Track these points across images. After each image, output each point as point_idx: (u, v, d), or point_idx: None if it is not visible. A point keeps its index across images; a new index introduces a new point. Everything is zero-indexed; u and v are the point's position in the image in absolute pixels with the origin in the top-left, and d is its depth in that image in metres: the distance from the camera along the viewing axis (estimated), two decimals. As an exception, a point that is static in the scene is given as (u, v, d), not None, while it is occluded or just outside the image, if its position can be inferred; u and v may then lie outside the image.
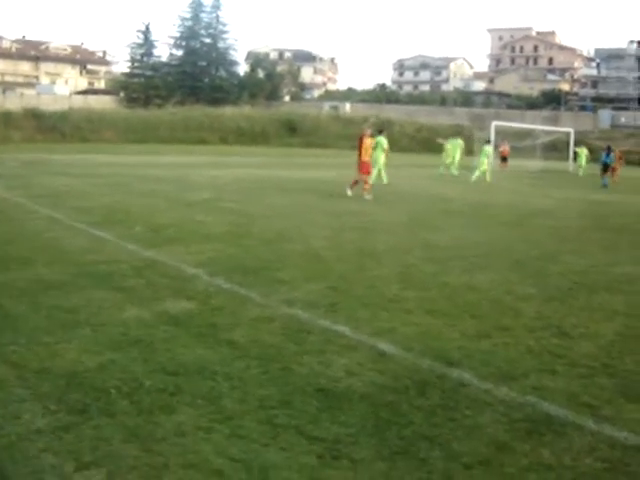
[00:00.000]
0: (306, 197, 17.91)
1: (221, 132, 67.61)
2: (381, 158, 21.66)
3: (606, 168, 27.47)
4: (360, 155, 18.24)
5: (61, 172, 23.78)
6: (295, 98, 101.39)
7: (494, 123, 40.62)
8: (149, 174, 24.18)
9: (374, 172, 20.73)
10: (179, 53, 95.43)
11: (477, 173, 28.41)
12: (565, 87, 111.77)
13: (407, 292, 7.55)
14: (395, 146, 68.04)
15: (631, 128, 76.82)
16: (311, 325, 6.18)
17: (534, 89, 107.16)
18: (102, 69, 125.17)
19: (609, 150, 28.40)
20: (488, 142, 31.47)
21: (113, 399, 4.45)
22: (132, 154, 39.60)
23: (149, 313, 6.42)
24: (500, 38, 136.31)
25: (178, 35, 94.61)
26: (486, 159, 29.13)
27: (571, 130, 44.05)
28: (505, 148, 39.48)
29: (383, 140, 21.57)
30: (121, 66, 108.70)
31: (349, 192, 18.03)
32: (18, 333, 5.69)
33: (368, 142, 18.65)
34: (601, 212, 17.68)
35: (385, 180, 22.15)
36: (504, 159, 38.64)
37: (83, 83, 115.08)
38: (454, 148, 32.26)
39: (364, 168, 18.20)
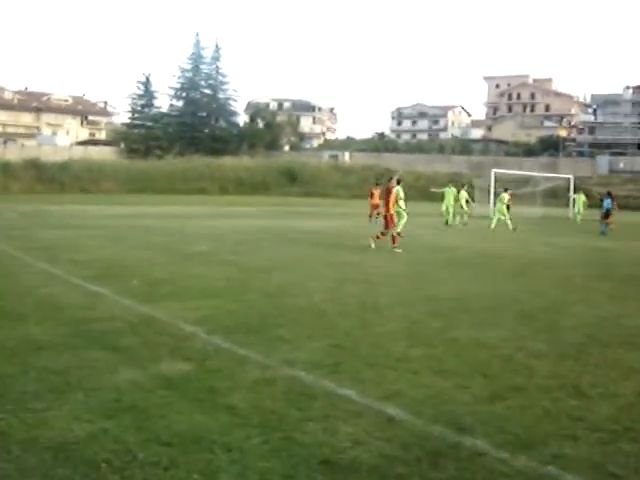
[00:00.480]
0: (307, 248, 17.69)
1: (221, 182, 67.95)
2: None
3: (607, 214, 27.28)
4: (388, 208, 17.76)
5: (59, 224, 23.64)
6: (294, 148, 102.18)
7: (493, 170, 40.70)
8: (148, 225, 24.04)
9: (402, 222, 20.66)
10: (179, 104, 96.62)
11: (495, 221, 29.41)
12: (562, 133, 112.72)
13: (414, 350, 7.24)
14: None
15: (629, 173, 77.23)
16: (314, 388, 5.87)
17: (531, 136, 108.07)
18: (103, 120, 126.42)
19: (610, 196, 28.21)
20: (506, 190, 31.68)
21: (103, 474, 4.14)
22: (131, 205, 39.60)
23: (144, 375, 6.11)
24: (497, 86, 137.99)
25: (178, 86, 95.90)
26: (504, 207, 29.68)
27: (571, 176, 44.10)
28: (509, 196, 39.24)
29: (400, 190, 21.47)
30: (122, 117, 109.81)
31: (372, 245, 17.50)
32: (5, 398, 5.39)
33: (395, 194, 18.16)
34: (604, 260, 17.42)
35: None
36: (507, 207, 38.46)
37: (84, 134, 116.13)
38: (448, 196, 32.01)
39: (392, 221, 17.66)
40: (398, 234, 18.18)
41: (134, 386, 5.79)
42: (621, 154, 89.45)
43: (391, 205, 17.71)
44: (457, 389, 5.97)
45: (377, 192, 29.61)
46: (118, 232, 20.86)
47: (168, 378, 6.04)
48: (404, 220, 21.06)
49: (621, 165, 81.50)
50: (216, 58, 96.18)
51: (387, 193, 18.00)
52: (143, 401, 5.42)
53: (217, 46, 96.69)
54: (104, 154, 79.26)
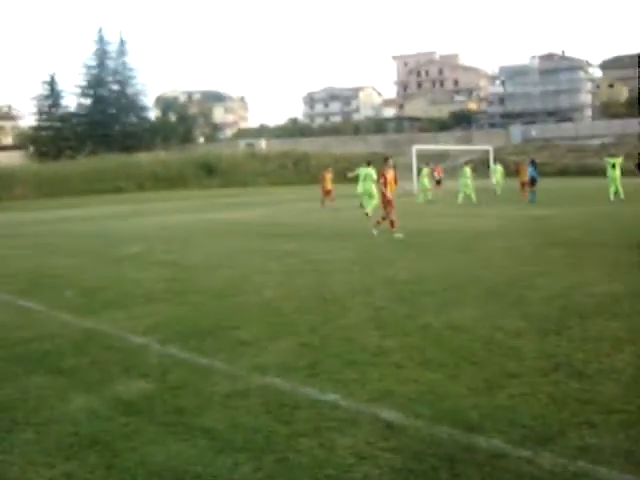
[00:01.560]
0: (242, 240, 17.00)
1: (137, 179, 65.96)
2: (373, 188, 21.98)
3: (533, 182, 27.32)
4: (385, 192, 17.11)
5: (-28, 236, 22.17)
6: (209, 139, 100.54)
7: (414, 147, 40.70)
8: (69, 230, 22.82)
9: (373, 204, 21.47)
10: (87, 102, 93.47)
11: (462, 195, 29.59)
12: (472, 106, 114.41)
13: (388, 341, 6.74)
14: (315, 179, 68.24)
15: (542, 141, 78.81)
16: (295, 396, 5.29)
17: (442, 111, 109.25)
18: (8, 124, 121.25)
19: (533, 164, 28.25)
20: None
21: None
22: (48, 209, 37.92)
23: (100, 401, 5.40)
24: (405, 64, 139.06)
25: (85, 84, 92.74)
26: (468, 180, 29.65)
27: (490, 147, 44.51)
28: (439, 170, 39.20)
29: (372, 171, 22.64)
30: (28, 120, 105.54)
31: (374, 232, 16.95)
32: (-60, 447, 4.61)
33: (391, 176, 17.40)
34: (546, 228, 17.28)
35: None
36: (438, 182, 38.43)
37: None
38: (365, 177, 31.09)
39: (391, 205, 17.06)
40: (375, 218, 18.13)
41: (91, 415, 5.09)
42: (532, 123, 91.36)
43: (389, 189, 17.04)
44: (448, 381, 5.50)
45: (329, 176, 29.02)
46: (39, 239, 19.62)
47: (128, 401, 5.35)
48: (375, 202, 21.22)
49: (533, 133, 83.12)
50: (122, 52, 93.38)
51: (384, 177, 17.19)
52: (105, 432, 4.73)
53: (122, 40, 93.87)
54: (12, 159, 75.85)
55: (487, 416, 4.70)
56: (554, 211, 22.12)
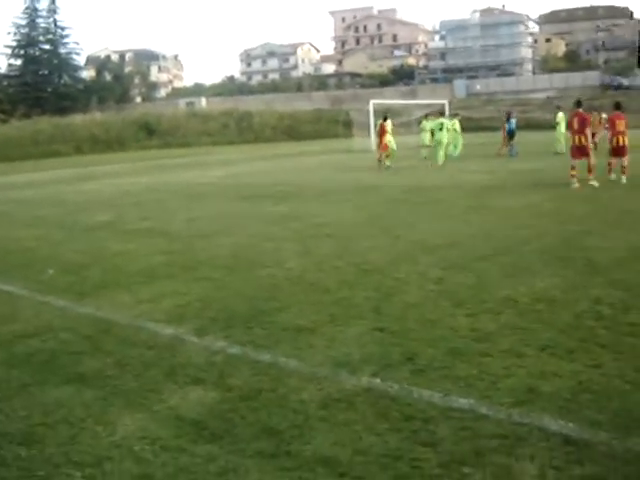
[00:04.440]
0: (221, 203, 15.50)
1: (74, 142, 62.84)
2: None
3: (512, 136, 26.42)
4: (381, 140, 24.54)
5: None
6: (147, 99, 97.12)
7: (372, 101, 39.36)
8: (19, 197, 20.85)
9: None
10: (18, 63, 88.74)
11: (456, 150, 27.75)
12: (412, 62, 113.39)
13: (480, 321, 5.57)
14: (259, 137, 66.49)
15: (485, 95, 78.39)
16: (416, 404, 4.08)
17: (383, 66, 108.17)
18: None
19: (510, 116, 27.31)
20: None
21: None
22: (-15, 177, 35.41)
23: (155, 421, 4.09)
24: (343, 19, 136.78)
25: (15, 44, 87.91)
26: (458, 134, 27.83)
27: (445, 101, 43.50)
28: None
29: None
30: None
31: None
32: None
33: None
34: (547, 181, 16.21)
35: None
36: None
37: None
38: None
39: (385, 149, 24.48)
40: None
41: (154, 445, 3.78)
42: (474, 77, 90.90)
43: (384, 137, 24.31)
44: (594, 372, 4.41)
45: (389, 127, 25.66)
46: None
47: (194, 421, 4.05)
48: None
49: (478, 87, 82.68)
50: (53, 10, 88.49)
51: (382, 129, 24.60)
52: (188, 474, 3.45)
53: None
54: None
55: None
56: (540, 164, 21.21)
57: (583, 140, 14.76)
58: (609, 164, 15.51)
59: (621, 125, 15.33)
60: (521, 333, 5.20)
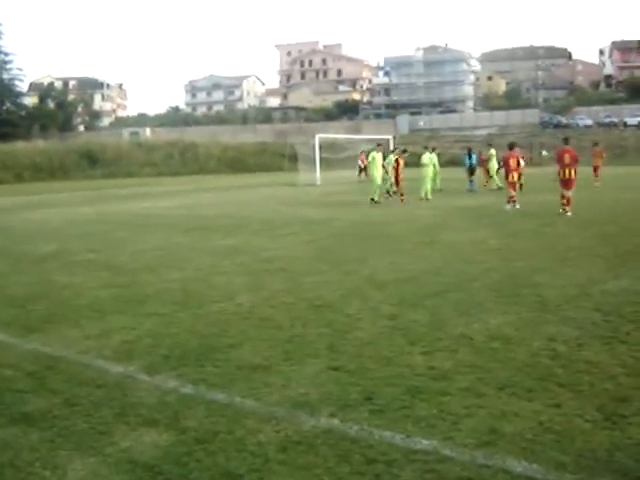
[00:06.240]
0: (169, 235, 15.19)
1: (15, 169, 61.40)
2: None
3: (472, 171, 27.12)
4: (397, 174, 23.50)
5: None
6: (90, 127, 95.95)
7: (318, 135, 39.57)
8: (-45, 226, 20.17)
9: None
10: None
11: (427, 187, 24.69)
12: (356, 97, 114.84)
13: (436, 359, 5.54)
14: (204, 168, 66.13)
15: (428, 131, 79.82)
16: (377, 446, 4.01)
17: (327, 101, 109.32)
18: None
19: (470, 152, 28.07)
20: (434, 149, 27.44)
21: None
22: None
23: (107, 466, 3.92)
24: (289, 53, 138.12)
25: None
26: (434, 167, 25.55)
27: (390, 137, 44.01)
28: (363, 158, 37.50)
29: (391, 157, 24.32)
30: None
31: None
32: None
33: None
34: (495, 218, 16.55)
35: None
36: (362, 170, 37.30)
37: None
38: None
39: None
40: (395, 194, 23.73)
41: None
42: (418, 114, 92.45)
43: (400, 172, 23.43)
44: (554, 412, 4.38)
45: (402, 161, 24.57)
46: None
47: (149, 466, 3.90)
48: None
49: (421, 124, 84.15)
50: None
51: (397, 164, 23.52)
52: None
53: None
54: None
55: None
56: (484, 200, 21.56)
57: (572, 174, 16.41)
58: (562, 197, 16.68)
59: (567, 159, 16.60)
60: (479, 372, 5.19)
